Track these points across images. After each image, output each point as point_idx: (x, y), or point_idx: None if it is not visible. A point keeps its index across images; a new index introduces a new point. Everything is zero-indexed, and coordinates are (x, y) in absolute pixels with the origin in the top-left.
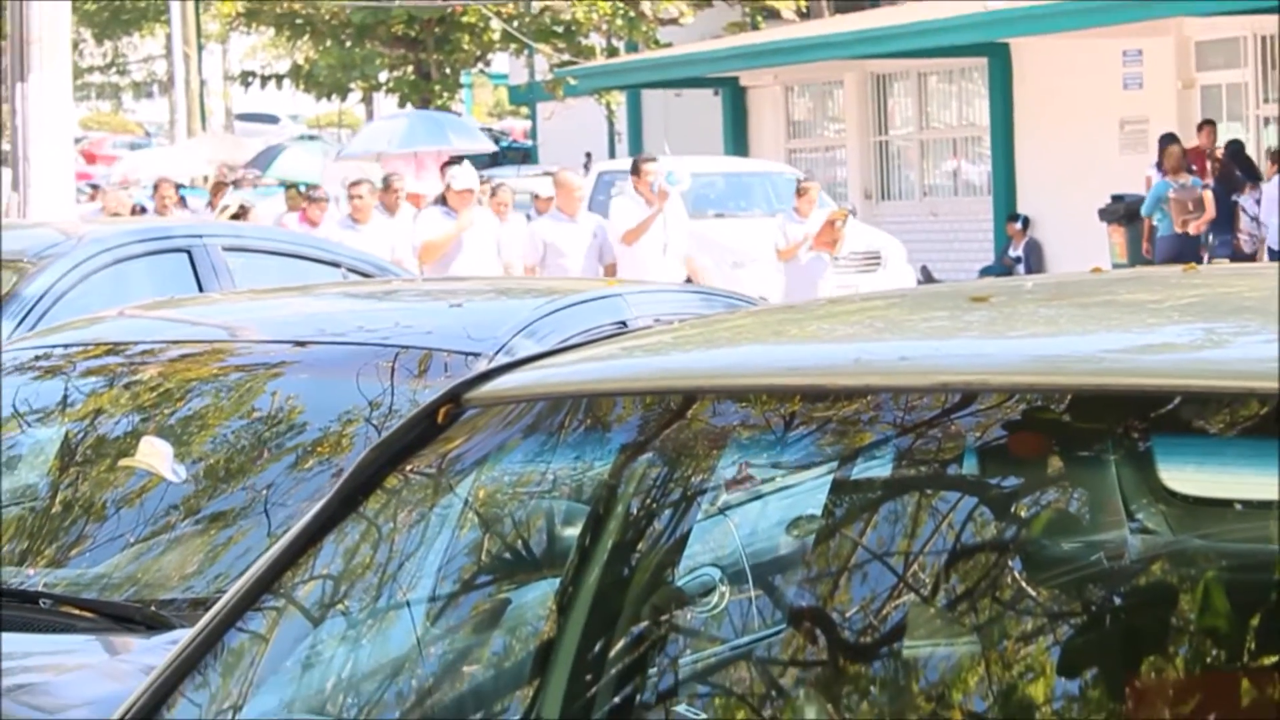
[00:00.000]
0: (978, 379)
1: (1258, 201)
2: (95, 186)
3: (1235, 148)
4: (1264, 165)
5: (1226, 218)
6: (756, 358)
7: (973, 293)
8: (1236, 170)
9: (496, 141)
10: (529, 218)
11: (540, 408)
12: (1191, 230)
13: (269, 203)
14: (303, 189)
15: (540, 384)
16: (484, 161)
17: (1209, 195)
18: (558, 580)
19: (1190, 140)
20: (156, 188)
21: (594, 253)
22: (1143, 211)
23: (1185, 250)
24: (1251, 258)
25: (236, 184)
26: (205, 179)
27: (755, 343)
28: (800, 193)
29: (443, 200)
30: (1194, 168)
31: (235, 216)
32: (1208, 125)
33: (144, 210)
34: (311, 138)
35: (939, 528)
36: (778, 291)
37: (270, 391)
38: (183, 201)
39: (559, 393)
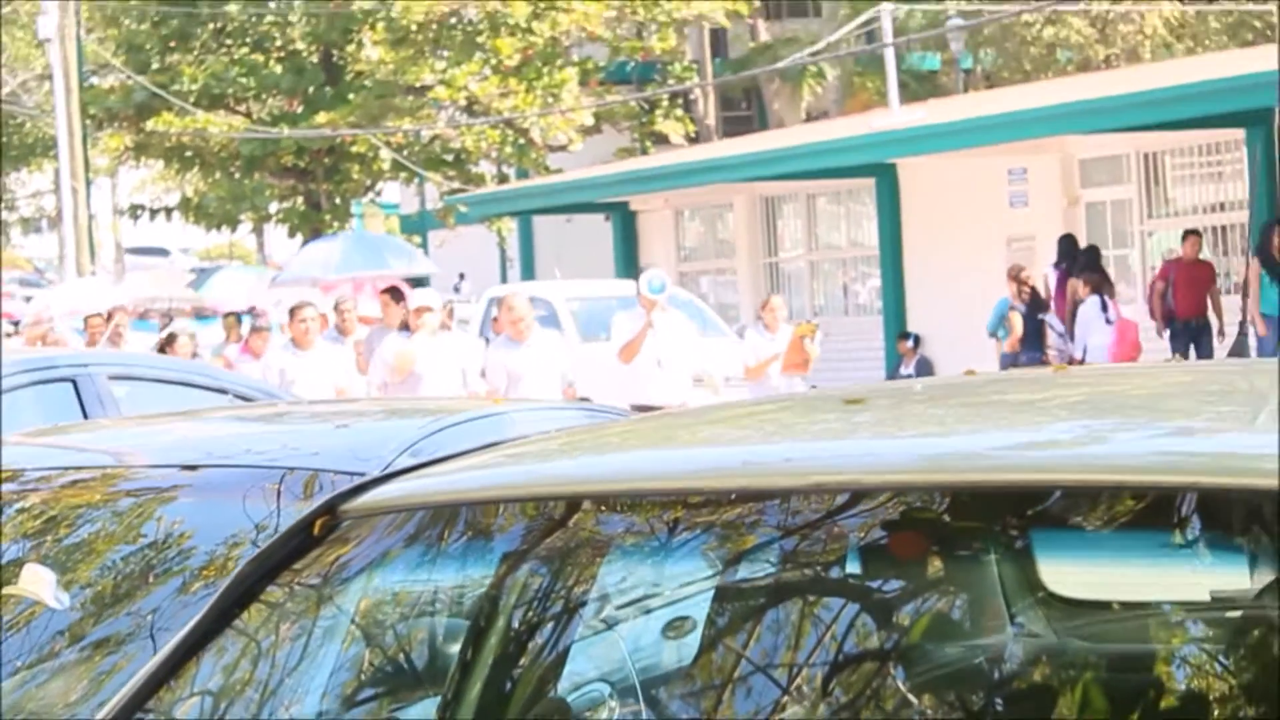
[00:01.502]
0: (852, 479)
1: (1061, 319)
2: (16, 324)
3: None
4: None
5: (1035, 335)
6: (644, 463)
7: (848, 396)
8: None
9: None
10: (487, 341)
11: (420, 518)
12: (1005, 349)
13: (208, 331)
14: (241, 318)
15: (418, 494)
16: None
17: (1015, 316)
18: (441, 693)
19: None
20: (109, 316)
21: (556, 373)
22: (987, 329)
23: (1014, 365)
24: None
25: (169, 314)
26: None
27: (644, 448)
28: (764, 306)
29: (404, 325)
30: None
31: (163, 347)
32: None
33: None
34: (202, 270)
35: (822, 632)
36: None
37: (157, 516)
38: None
39: (437, 502)
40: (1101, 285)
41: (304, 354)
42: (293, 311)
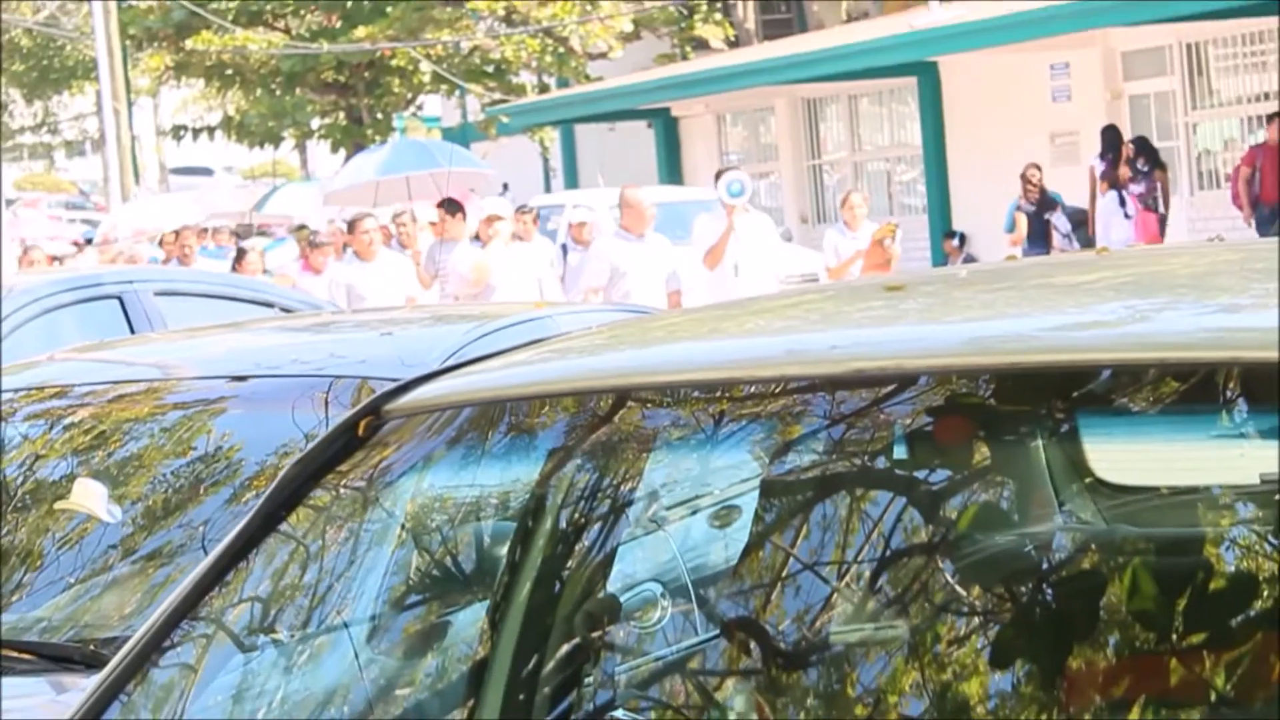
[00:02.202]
0: (896, 364)
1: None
2: (89, 240)
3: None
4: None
5: (1041, 235)
6: (689, 354)
7: (891, 283)
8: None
9: None
10: (564, 247)
11: (465, 415)
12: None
13: (280, 251)
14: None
15: (462, 391)
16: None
17: (1020, 216)
18: (490, 594)
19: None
20: (177, 235)
21: (663, 276)
22: (1004, 229)
23: None
24: None
25: (240, 233)
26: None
27: (689, 340)
28: (843, 203)
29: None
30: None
31: (234, 265)
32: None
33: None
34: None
35: (869, 524)
36: None
37: (206, 428)
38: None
39: (483, 399)
40: (1119, 181)
41: (368, 266)
42: (352, 224)
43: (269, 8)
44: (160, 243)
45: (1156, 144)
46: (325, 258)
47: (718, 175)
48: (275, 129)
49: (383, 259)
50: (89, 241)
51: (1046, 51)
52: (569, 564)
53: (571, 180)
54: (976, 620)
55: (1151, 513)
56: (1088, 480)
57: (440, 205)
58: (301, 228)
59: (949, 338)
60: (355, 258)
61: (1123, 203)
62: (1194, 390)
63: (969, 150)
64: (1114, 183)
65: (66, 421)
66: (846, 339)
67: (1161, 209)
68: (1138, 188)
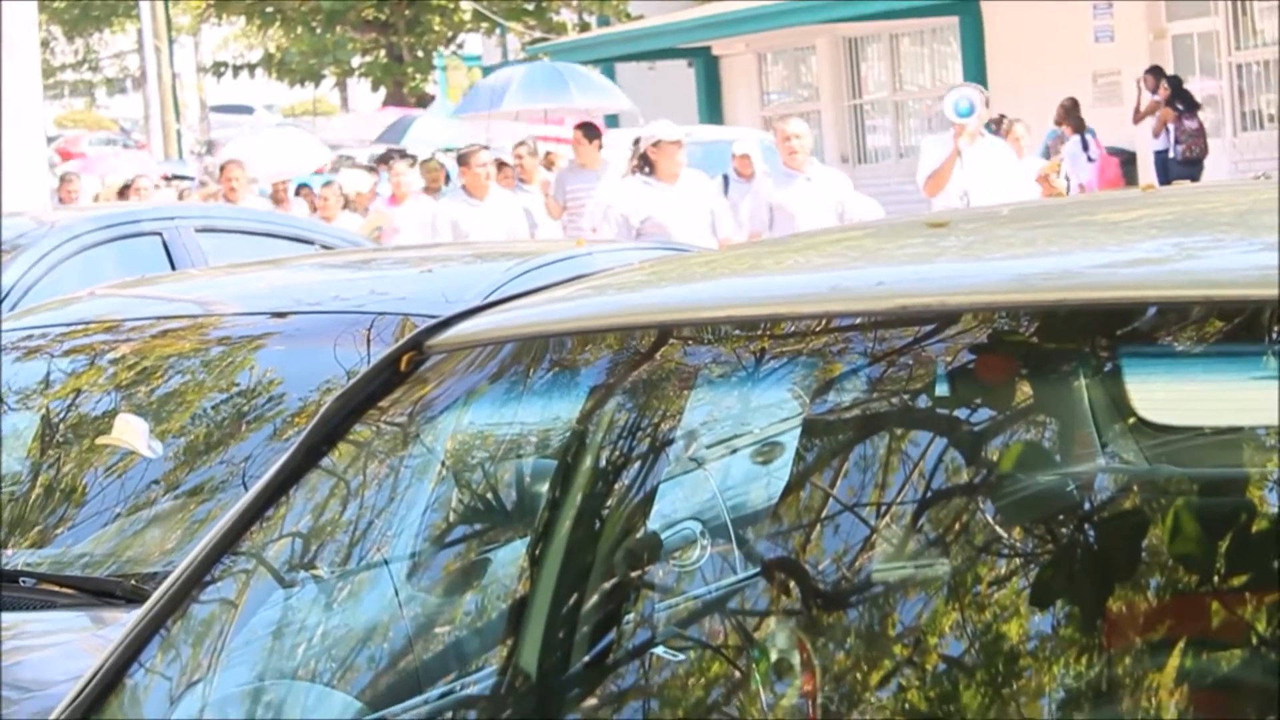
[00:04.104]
0: (939, 300)
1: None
2: (176, 176)
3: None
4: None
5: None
6: (731, 290)
7: (934, 220)
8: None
9: None
10: (726, 179)
11: (507, 351)
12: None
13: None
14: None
15: (505, 326)
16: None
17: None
18: (531, 532)
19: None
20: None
21: (833, 214)
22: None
23: None
24: None
25: (378, 165)
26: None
27: (730, 276)
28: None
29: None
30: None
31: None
32: None
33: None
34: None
35: (910, 464)
36: None
37: (248, 364)
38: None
39: (525, 334)
40: (1081, 126)
41: (479, 203)
42: (464, 157)
43: None
44: (273, 190)
45: (1199, 84)
46: (406, 189)
47: (721, 119)
48: (315, 67)
49: (495, 197)
50: (177, 177)
51: None
52: (609, 502)
53: (612, 120)
54: (1017, 561)
55: (1194, 453)
56: (1131, 420)
57: (579, 128)
58: (429, 160)
59: (992, 275)
60: (464, 193)
61: (1085, 146)
62: (1239, 329)
63: (1011, 90)
64: (1077, 128)
65: (108, 357)
66: (891, 275)
67: (1196, 151)
68: (1186, 124)
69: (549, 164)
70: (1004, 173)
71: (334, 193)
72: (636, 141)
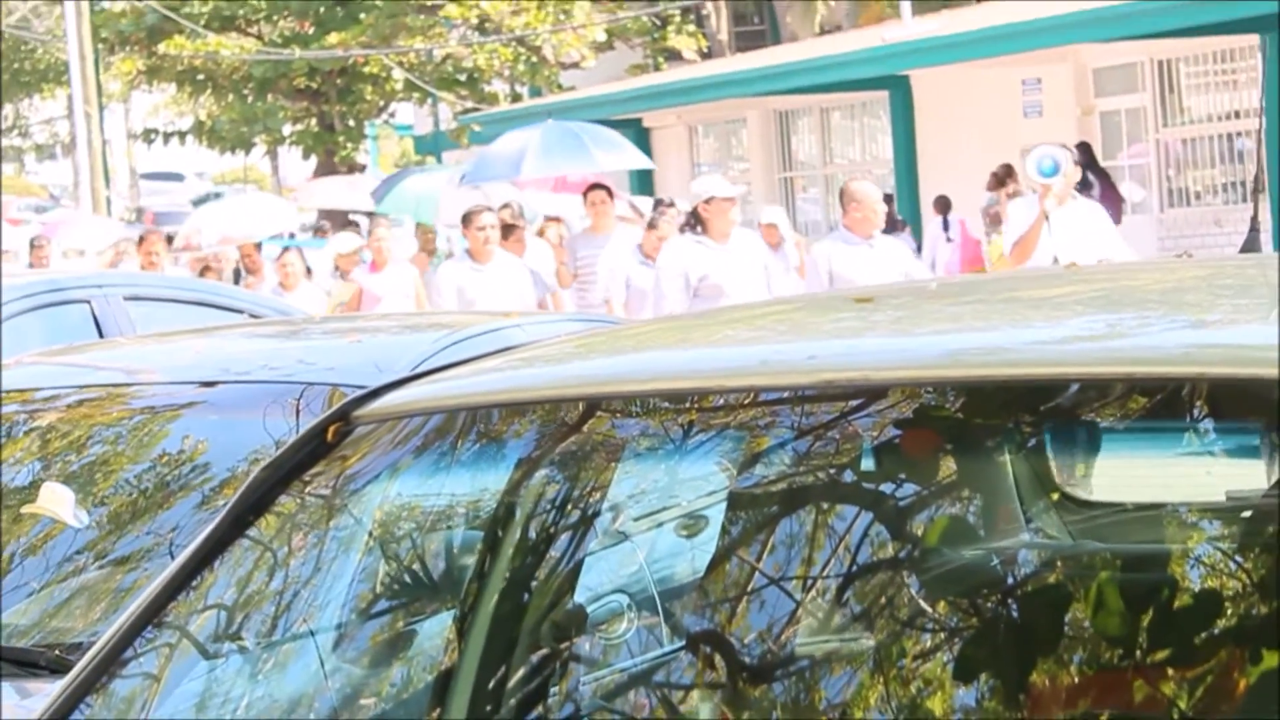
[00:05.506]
0: (863, 375)
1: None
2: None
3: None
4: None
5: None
6: (659, 363)
7: (860, 295)
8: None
9: None
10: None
11: (434, 422)
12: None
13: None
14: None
15: (432, 398)
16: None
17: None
18: (457, 603)
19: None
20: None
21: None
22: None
23: None
24: None
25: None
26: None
27: (659, 348)
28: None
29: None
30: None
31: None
32: None
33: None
34: (217, 195)
35: (836, 537)
36: None
37: (176, 433)
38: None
39: (452, 405)
40: (946, 208)
41: (483, 268)
42: (467, 218)
43: (241, 13)
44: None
45: (1128, 161)
46: (386, 256)
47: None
48: (247, 135)
49: (499, 261)
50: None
51: (1019, 66)
52: (536, 574)
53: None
54: (942, 635)
55: (1118, 528)
56: (1055, 495)
57: (591, 190)
58: (420, 224)
59: (921, 350)
60: (468, 257)
61: (946, 227)
62: (1161, 406)
63: (941, 164)
64: (940, 209)
65: (34, 425)
66: (821, 350)
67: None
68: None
69: (541, 233)
70: (1096, 236)
71: (295, 259)
72: (658, 203)
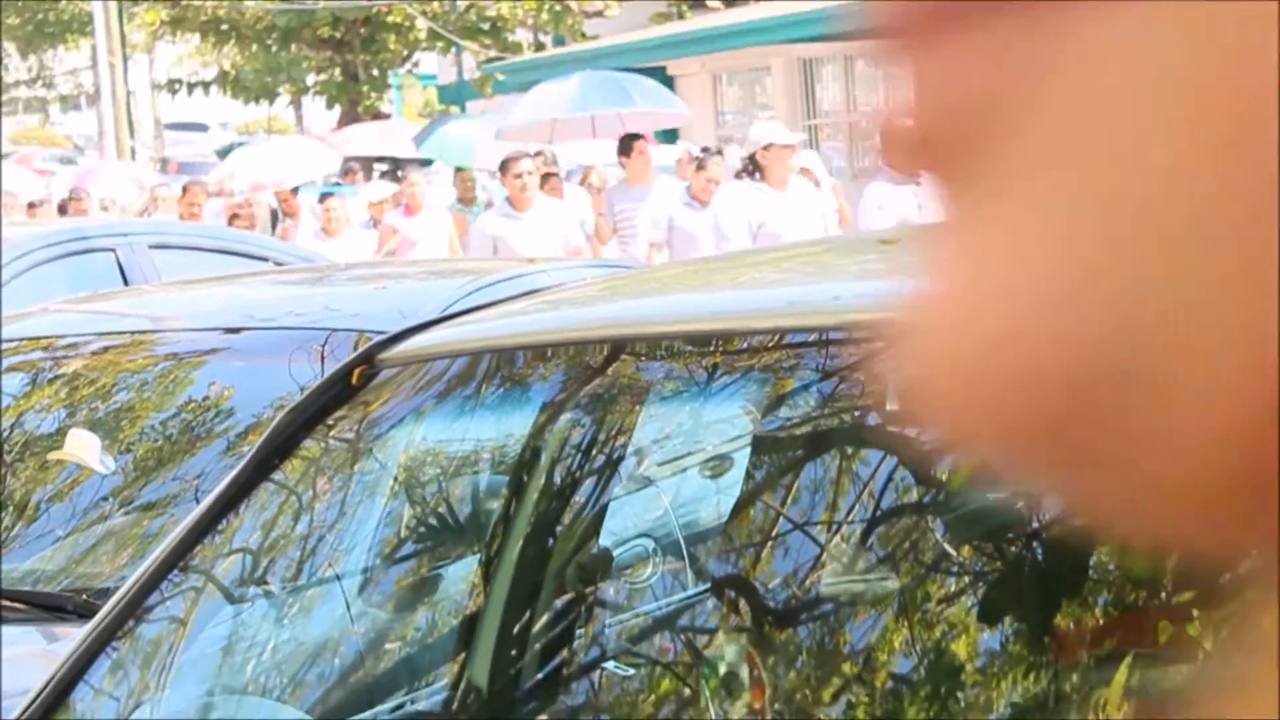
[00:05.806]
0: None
1: None
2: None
3: None
4: None
5: None
6: (684, 305)
7: (883, 236)
8: None
9: None
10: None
11: (459, 365)
12: None
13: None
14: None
15: (457, 340)
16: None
17: None
18: (483, 547)
19: None
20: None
21: None
22: None
23: None
24: None
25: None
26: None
27: (684, 291)
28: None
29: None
30: None
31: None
32: None
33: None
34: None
35: (860, 483)
36: None
37: (201, 379)
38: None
39: (476, 348)
40: None
41: (522, 216)
42: (505, 165)
43: None
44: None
45: None
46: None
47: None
48: (270, 85)
49: (540, 207)
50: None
51: None
52: (561, 518)
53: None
54: (967, 578)
55: None
56: None
57: (628, 140)
58: (461, 169)
59: None
60: (508, 205)
61: None
62: None
63: None
64: None
65: (60, 372)
66: (846, 291)
67: None
68: None
69: (584, 179)
70: None
71: (338, 204)
72: (704, 150)
